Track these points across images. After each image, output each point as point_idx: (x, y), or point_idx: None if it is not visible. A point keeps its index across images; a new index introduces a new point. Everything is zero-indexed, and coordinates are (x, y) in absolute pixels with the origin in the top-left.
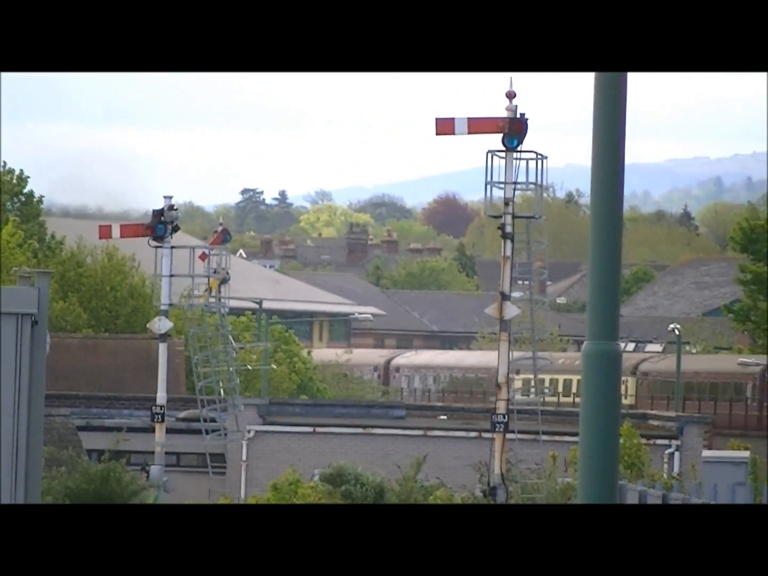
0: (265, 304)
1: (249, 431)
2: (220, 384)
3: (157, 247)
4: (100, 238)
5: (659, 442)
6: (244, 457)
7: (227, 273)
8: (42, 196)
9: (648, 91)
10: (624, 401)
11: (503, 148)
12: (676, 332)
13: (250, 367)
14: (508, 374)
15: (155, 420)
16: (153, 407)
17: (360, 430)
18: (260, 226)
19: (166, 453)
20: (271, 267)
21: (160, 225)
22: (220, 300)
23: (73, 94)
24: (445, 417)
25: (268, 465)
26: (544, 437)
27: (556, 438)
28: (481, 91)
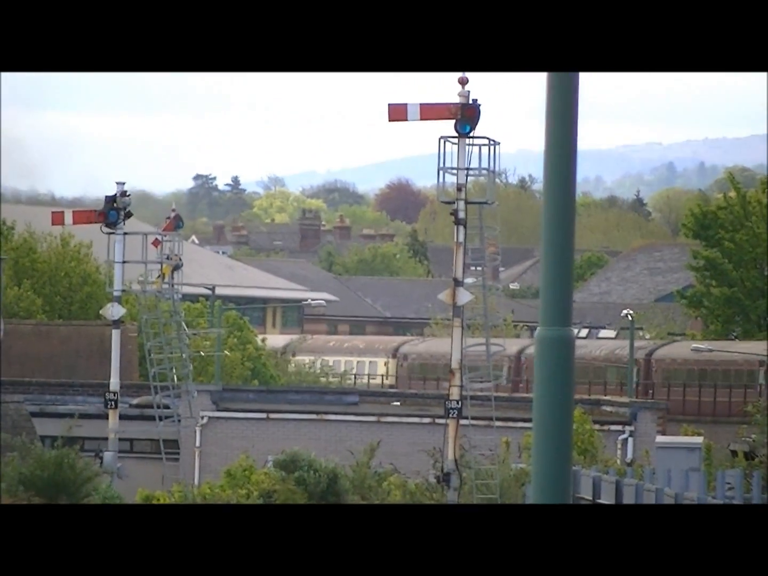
0: (218, 291)
1: (202, 417)
2: (174, 370)
3: (109, 233)
4: (53, 224)
5: (613, 428)
6: (197, 444)
7: (180, 259)
8: None
9: (600, 77)
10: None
11: (456, 134)
12: (629, 318)
13: (203, 354)
14: (461, 360)
15: (108, 406)
16: (106, 393)
17: (313, 417)
18: (213, 212)
19: (120, 439)
20: (223, 253)
21: (113, 211)
22: (173, 286)
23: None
24: (398, 403)
25: (221, 451)
26: (498, 423)
27: (510, 424)
28: (434, 77)
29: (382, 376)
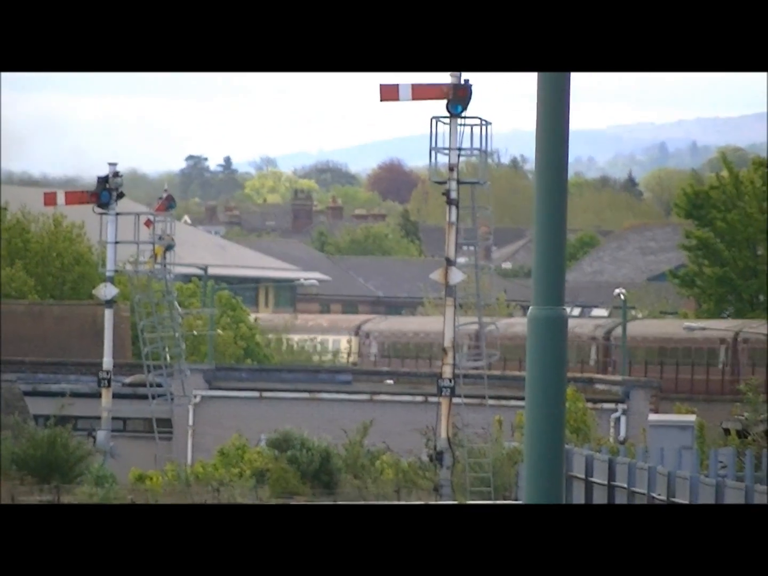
0: (211, 270)
1: (195, 396)
2: (166, 349)
3: (102, 214)
4: (46, 205)
5: (606, 406)
6: (190, 422)
7: (172, 239)
8: None
9: None
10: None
11: (448, 114)
12: (622, 297)
13: (195, 333)
14: (454, 339)
15: (102, 385)
16: (99, 372)
17: (306, 395)
18: (205, 192)
19: (113, 418)
20: (216, 233)
21: (105, 192)
22: (165, 266)
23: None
24: (391, 382)
25: (214, 430)
26: (491, 402)
27: (503, 402)
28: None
29: (347, 353)
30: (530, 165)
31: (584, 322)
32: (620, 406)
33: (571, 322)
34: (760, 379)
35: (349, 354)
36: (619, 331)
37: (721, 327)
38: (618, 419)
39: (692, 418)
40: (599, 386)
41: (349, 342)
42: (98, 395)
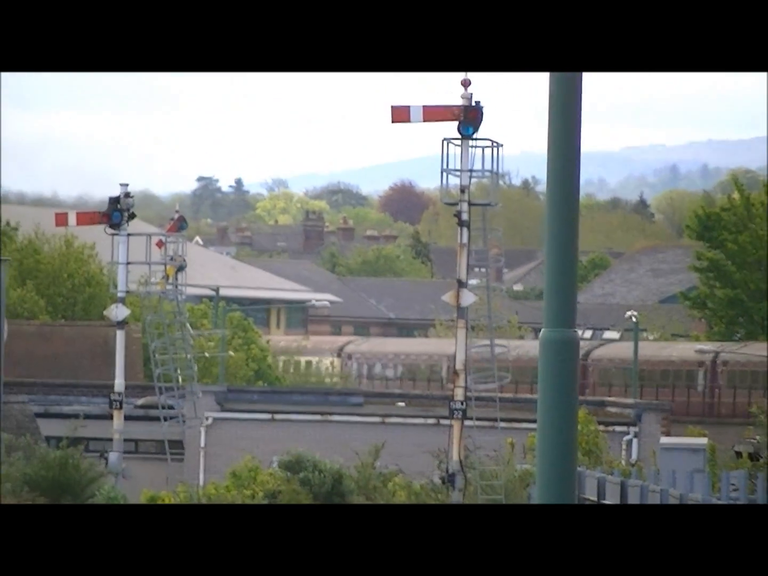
0: (222, 291)
1: (207, 418)
2: (178, 371)
3: (113, 234)
4: (57, 225)
5: (617, 429)
6: (202, 444)
7: (184, 260)
8: None
9: (604, 78)
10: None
11: (459, 136)
12: (633, 319)
13: (207, 354)
14: (465, 361)
15: (113, 407)
16: (111, 394)
17: (318, 417)
18: (216, 213)
19: (125, 440)
20: (227, 254)
21: (116, 212)
22: (177, 287)
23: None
24: (403, 404)
25: (226, 452)
26: (502, 424)
27: (514, 425)
28: (436, 78)
29: (329, 375)
30: (541, 187)
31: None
32: (632, 429)
33: (528, 344)
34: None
35: (332, 375)
36: (597, 353)
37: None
38: (630, 442)
39: (704, 440)
40: (611, 409)
41: (331, 363)
42: (110, 417)
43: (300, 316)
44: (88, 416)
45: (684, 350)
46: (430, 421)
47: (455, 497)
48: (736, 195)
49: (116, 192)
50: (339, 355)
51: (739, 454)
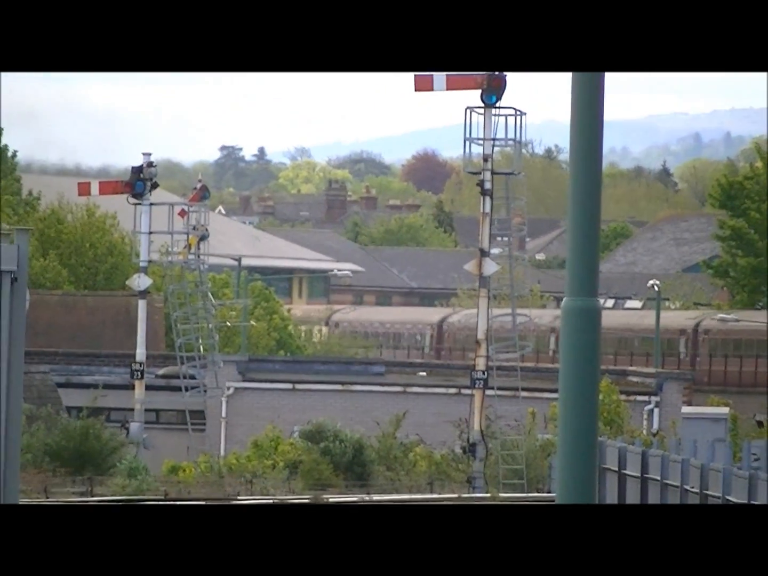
0: (244, 261)
1: (228, 388)
2: (200, 341)
3: (136, 204)
4: (79, 195)
5: (639, 398)
6: (223, 414)
7: (206, 230)
8: (16, 151)
9: None
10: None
11: (482, 105)
12: (656, 288)
13: (229, 324)
14: (488, 331)
15: (135, 377)
16: (132, 364)
17: (339, 387)
18: (239, 182)
19: (146, 410)
20: (249, 224)
21: (139, 182)
22: (199, 257)
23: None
24: (424, 373)
25: (247, 422)
26: (524, 393)
27: (536, 394)
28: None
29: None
30: (564, 155)
31: (546, 313)
32: (653, 399)
33: (537, 313)
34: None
35: (318, 342)
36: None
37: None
38: (651, 411)
39: (725, 410)
40: (632, 378)
41: (319, 331)
42: (131, 387)
43: (322, 285)
44: (109, 386)
45: (666, 318)
46: (452, 390)
47: (476, 467)
48: (759, 163)
49: (139, 161)
50: (327, 324)
51: (760, 424)
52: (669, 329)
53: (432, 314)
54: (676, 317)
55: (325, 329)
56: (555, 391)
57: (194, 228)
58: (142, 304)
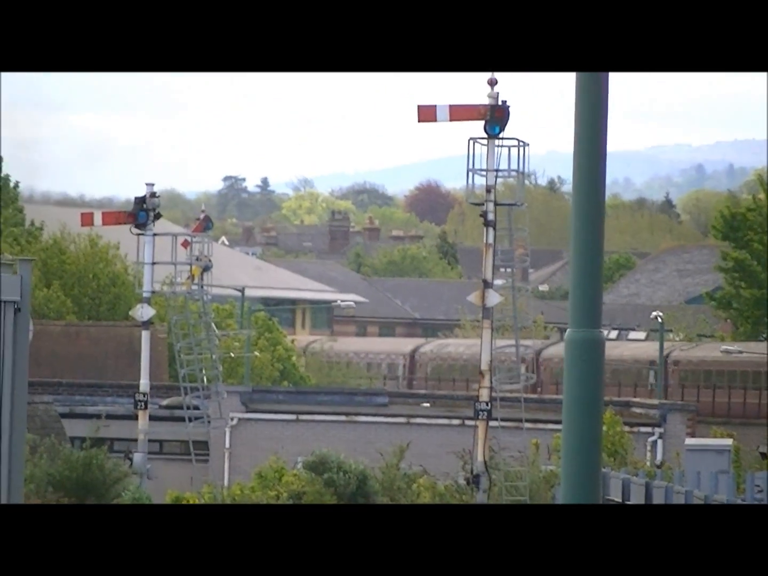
0: (248, 292)
1: (232, 419)
2: (203, 371)
3: (139, 234)
4: (82, 225)
5: (642, 429)
6: (227, 445)
7: (209, 260)
8: (18, 182)
9: (630, 77)
10: None
11: (485, 135)
12: (659, 320)
13: (233, 355)
14: (491, 362)
15: (138, 407)
16: (136, 394)
17: (343, 418)
18: (242, 213)
19: (150, 440)
20: (253, 254)
21: (142, 212)
22: (202, 287)
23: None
24: (428, 404)
25: (251, 452)
26: (527, 425)
27: (539, 426)
28: (462, 78)
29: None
30: (567, 186)
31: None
32: (657, 430)
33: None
34: None
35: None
36: (548, 351)
37: (759, 350)
38: (655, 443)
39: (729, 442)
40: (636, 409)
41: (297, 359)
42: (135, 417)
43: (325, 316)
44: (113, 416)
45: (637, 349)
46: (455, 421)
47: (480, 498)
48: (762, 195)
49: (142, 192)
50: (304, 353)
51: (764, 455)
52: (639, 360)
53: (405, 344)
54: (646, 348)
55: (302, 359)
56: (558, 422)
57: (197, 258)
58: (145, 335)
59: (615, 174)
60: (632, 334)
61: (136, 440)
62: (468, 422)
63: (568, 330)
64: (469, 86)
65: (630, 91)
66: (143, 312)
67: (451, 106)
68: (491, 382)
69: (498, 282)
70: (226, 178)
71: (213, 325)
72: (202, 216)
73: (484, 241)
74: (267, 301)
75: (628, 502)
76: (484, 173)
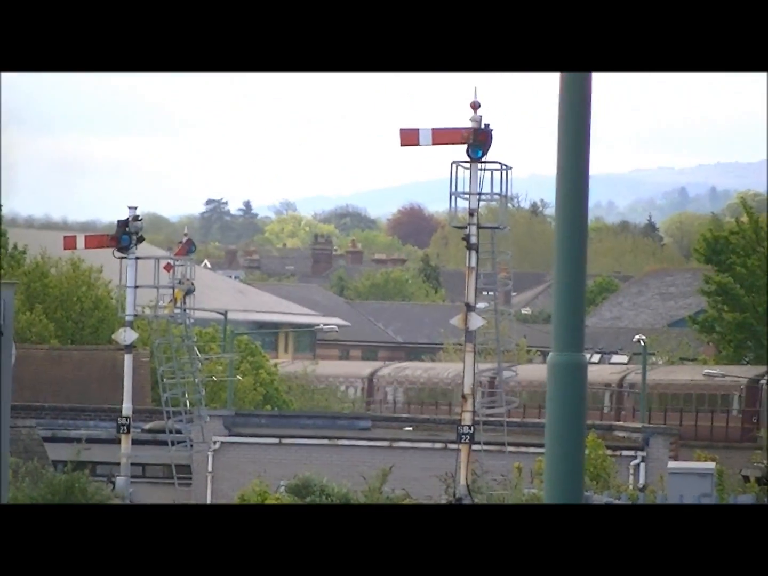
0: (230, 315)
1: (215, 442)
2: (186, 395)
3: (121, 257)
4: (65, 248)
5: (625, 453)
6: (209, 469)
7: (192, 283)
8: (0, 205)
9: (612, 101)
10: None
11: (468, 159)
12: (642, 343)
13: (215, 379)
14: (473, 385)
15: (121, 431)
16: (119, 418)
17: (326, 442)
18: (225, 236)
19: (132, 464)
20: (235, 278)
21: (125, 236)
22: (185, 311)
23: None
24: (410, 428)
25: (233, 476)
26: (510, 448)
27: (522, 449)
28: (444, 100)
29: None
30: (550, 210)
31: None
32: (639, 453)
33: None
34: None
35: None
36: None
37: (739, 373)
38: (637, 466)
39: (712, 465)
40: (618, 433)
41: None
42: (117, 441)
43: (308, 340)
44: (95, 440)
45: (591, 372)
46: (438, 445)
47: None
48: (744, 218)
49: (125, 215)
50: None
51: (746, 479)
52: (593, 383)
53: (363, 368)
54: (601, 371)
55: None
56: (541, 445)
57: (180, 282)
58: (128, 359)
59: (598, 197)
60: (615, 358)
61: (118, 464)
62: (451, 446)
63: (550, 353)
64: (452, 109)
65: (612, 115)
66: (126, 336)
67: (434, 130)
68: (474, 406)
69: (481, 305)
70: (208, 201)
71: (196, 348)
72: (184, 239)
73: (467, 265)
74: (250, 325)
75: None
76: (467, 196)
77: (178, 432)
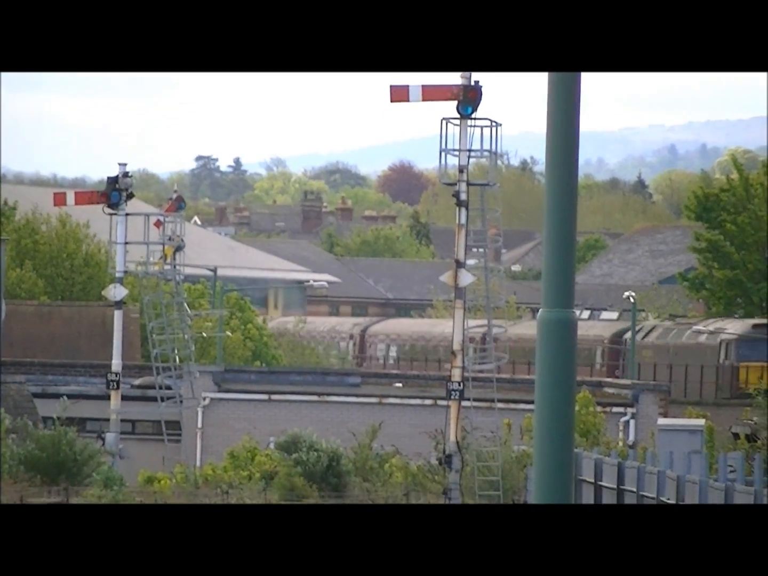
0: (220, 272)
1: (204, 398)
2: (175, 351)
3: (111, 214)
4: (55, 205)
5: (615, 410)
6: (199, 425)
7: (182, 240)
8: None
9: None
10: None
11: (458, 116)
12: (631, 300)
13: (205, 335)
14: (463, 342)
15: (110, 387)
16: (108, 374)
17: (315, 398)
18: (215, 193)
19: (122, 420)
20: (225, 234)
21: (115, 192)
22: (175, 267)
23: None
24: (400, 384)
25: (223, 432)
26: (500, 405)
27: (511, 405)
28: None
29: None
30: (540, 167)
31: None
32: (629, 410)
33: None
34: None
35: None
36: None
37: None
38: (627, 423)
39: (701, 422)
40: (608, 390)
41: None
42: (107, 397)
43: (298, 296)
44: (85, 396)
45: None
46: (428, 401)
47: (452, 478)
48: (734, 175)
49: (114, 172)
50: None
51: (736, 436)
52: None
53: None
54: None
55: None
56: (531, 402)
57: (170, 238)
58: (118, 315)
59: (588, 154)
60: (604, 314)
61: (108, 420)
62: (440, 402)
63: (540, 310)
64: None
65: (602, 73)
66: (116, 292)
67: (423, 87)
68: (463, 362)
69: (470, 262)
70: (198, 158)
71: (185, 305)
72: (174, 196)
73: (457, 222)
74: (239, 282)
75: (601, 483)
76: (456, 153)
77: (168, 388)
